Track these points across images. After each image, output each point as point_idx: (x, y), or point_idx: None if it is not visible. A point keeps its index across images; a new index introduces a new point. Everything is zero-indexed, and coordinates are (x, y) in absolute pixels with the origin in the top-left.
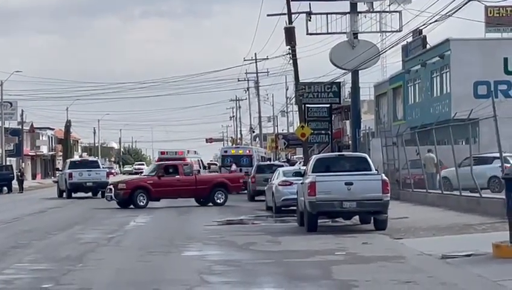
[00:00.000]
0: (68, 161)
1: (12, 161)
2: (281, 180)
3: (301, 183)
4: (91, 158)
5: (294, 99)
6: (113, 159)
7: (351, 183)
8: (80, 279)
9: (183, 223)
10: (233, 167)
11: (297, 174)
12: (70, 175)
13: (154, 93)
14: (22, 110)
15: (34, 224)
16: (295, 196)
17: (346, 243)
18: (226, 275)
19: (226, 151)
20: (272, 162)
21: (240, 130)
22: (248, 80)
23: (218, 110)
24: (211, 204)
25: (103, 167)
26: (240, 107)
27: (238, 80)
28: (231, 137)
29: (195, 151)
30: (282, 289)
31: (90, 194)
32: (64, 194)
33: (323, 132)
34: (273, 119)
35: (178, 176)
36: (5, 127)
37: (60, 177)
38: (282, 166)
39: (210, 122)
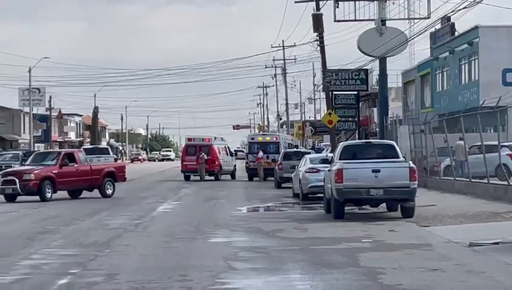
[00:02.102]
0: (82, 148)
1: (40, 147)
2: (308, 167)
3: (328, 170)
4: (102, 145)
5: (321, 87)
6: (140, 145)
7: (378, 171)
8: (106, 264)
9: (210, 209)
10: (260, 154)
11: (325, 161)
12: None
13: (181, 80)
14: (50, 97)
15: (60, 210)
16: (322, 183)
17: (373, 231)
18: (253, 261)
19: (253, 138)
20: (299, 149)
21: (267, 117)
22: (275, 67)
23: (246, 97)
24: (99, 196)
25: (133, 153)
26: (267, 94)
27: (266, 67)
28: (258, 124)
29: (222, 138)
30: (309, 276)
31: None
32: None
33: (350, 119)
34: (300, 106)
35: (76, 165)
36: (33, 113)
37: None
38: (309, 153)
39: (237, 109)
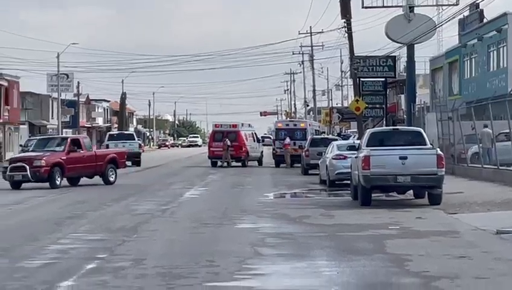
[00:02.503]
0: (108, 133)
1: (68, 133)
2: (335, 154)
3: (355, 157)
4: (127, 131)
5: (349, 73)
6: (167, 131)
7: (406, 158)
8: (134, 250)
9: (236, 195)
10: (287, 140)
11: (352, 148)
12: (107, 146)
13: (209, 66)
14: (78, 82)
15: (88, 195)
16: (349, 170)
17: (400, 218)
18: (279, 247)
19: (280, 125)
20: (326, 136)
21: (294, 104)
22: (303, 54)
23: (273, 83)
24: (102, 183)
25: (160, 139)
26: (294, 80)
27: (293, 54)
28: (285, 110)
29: (249, 124)
30: (335, 262)
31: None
32: None
33: (377, 106)
34: (327, 93)
35: (82, 151)
36: (61, 99)
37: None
38: (336, 140)
39: (264, 95)
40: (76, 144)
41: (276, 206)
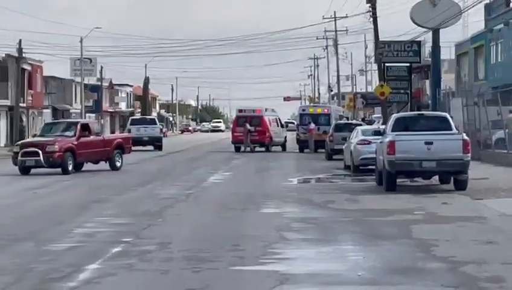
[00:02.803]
0: (130, 118)
1: (91, 117)
2: (359, 139)
3: (380, 142)
4: (149, 116)
5: (373, 58)
6: (190, 116)
7: (431, 143)
8: (159, 234)
9: (260, 180)
10: (312, 125)
11: (376, 133)
12: (129, 131)
13: (232, 51)
14: (101, 67)
15: (112, 179)
16: (373, 155)
17: (426, 203)
18: (304, 232)
19: (304, 110)
20: (350, 121)
21: (318, 89)
22: (327, 39)
23: (296, 68)
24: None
25: (183, 124)
26: (318, 65)
27: (317, 38)
28: (309, 96)
29: (272, 110)
30: (361, 247)
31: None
32: None
33: (402, 91)
34: (351, 78)
35: (92, 137)
36: (84, 84)
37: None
38: (360, 125)
39: (288, 80)
40: (85, 128)
41: (301, 191)
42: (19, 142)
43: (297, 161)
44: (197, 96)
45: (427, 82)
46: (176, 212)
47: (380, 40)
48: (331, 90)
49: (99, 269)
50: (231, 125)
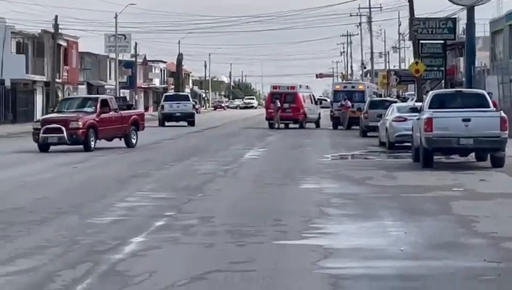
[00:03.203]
0: (164, 95)
1: (125, 93)
2: (395, 116)
3: (417, 119)
4: (183, 93)
5: (407, 35)
6: (222, 93)
7: (469, 120)
8: (200, 208)
9: (296, 157)
10: (348, 103)
11: (412, 110)
12: (163, 107)
13: (266, 27)
14: (136, 43)
15: (150, 155)
16: (409, 132)
17: (463, 180)
18: (344, 207)
19: (338, 87)
20: (385, 98)
21: (351, 66)
22: (360, 15)
23: (329, 45)
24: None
25: (216, 100)
26: (351, 42)
27: (350, 15)
28: (341, 73)
29: (307, 86)
30: (402, 223)
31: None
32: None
33: (436, 68)
34: (384, 55)
35: (111, 113)
36: (118, 60)
37: (159, 109)
38: (395, 102)
39: (320, 57)
40: (105, 104)
41: (338, 167)
42: (40, 118)
43: (332, 137)
44: (230, 73)
45: (461, 59)
46: (216, 187)
47: (415, 17)
48: (364, 67)
49: (144, 242)
50: (263, 102)
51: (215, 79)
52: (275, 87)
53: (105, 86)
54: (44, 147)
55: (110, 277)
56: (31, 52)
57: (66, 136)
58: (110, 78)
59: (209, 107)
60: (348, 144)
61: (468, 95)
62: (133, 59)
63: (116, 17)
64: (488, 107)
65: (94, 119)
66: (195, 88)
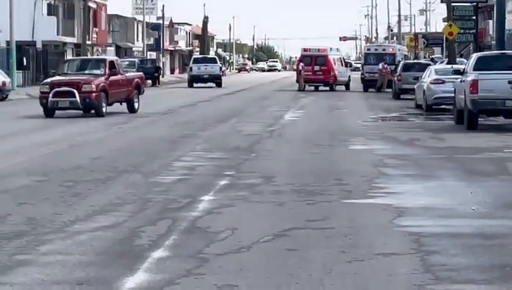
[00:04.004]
0: (193, 57)
1: (152, 55)
2: (433, 78)
3: (460, 81)
4: (210, 55)
5: None
6: (246, 55)
7: None
8: (258, 168)
9: (336, 118)
10: (387, 67)
11: (449, 72)
12: (191, 69)
13: None
14: (163, 5)
15: (190, 116)
16: (447, 94)
17: (511, 141)
18: (401, 168)
19: (369, 50)
20: (419, 61)
21: (376, 29)
22: None
23: (354, 8)
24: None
25: (240, 63)
26: (376, 5)
27: None
28: (365, 36)
29: (337, 49)
30: (465, 183)
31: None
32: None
33: (467, 31)
34: (410, 18)
35: (119, 76)
36: (146, 22)
37: (187, 71)
38: (429, 65)
39: (344, 21)
40: (113, 66)
41: (381, 128)
42: (47, 80)
43: (365, 100)
44: (253, 36)
45: (490, 22)
46: (266, 148)
47: None
48: (391, 30)
49: (215, 200)
50: (286, 65)
51: (238, 42)
52: (306, 50)
53: (133, 48)
54: (50, 112)
55: (193, 233)
56: (61, 14)
57: (78, 100)
58: (137, 41)
59: (233, 69)
60: (384, 106)
61: None
62: (159, 22)
63: None
64: None
65: (105, 82)
66: (220, 51)
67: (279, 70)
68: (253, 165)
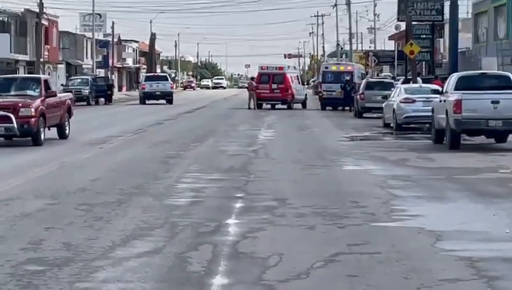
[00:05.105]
0: (145, 75)
1: (101, 73)
2: (403, 97)
3: (440, 101)
4: (161, 73)
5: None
6: (190, 73)
7: (498, 102)
8: (265, 189)
9: (311, 138)
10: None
11: (418, 92)
12: (143, 86)
13: (236, 9)
14: (113, 22)
15: (163, 135)
16: (417, 113)
17: (502, 161)
18: (408, 189)
19: (327, 68)
20: (382, 79)
21: (323, 46)
22: None
23: (299, 26)
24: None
25: (185, 80)
26: (323, 23)
27: None
28: (309, 53)
29: (294, 67)
30: (481, 205)
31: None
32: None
33: (423, 50)
34: (356, 36)
35: (54, 97)
36: (96, 39)
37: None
38: (391, 83)
39: (288, 38)
40: (48, 86)
41: (363, 148)
42: None
43: (329, 118)
44: (197, 52)
45: (441, 41)
46: (261, 169)
47: None
48: (342, 48)
49: (242, 224)
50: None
51: (182, 59)
52: (263, 68)
53: (83, 66)
54: None
55: (240, 258)
56: (13, 31)
57: (16, 127)
58: (86, 58)
59: (179, 87)
60: (351, 125)
61: (493, 77)
62: (107, 38)
63: None
64: None
65: (43, 105)
66: (165, 68)
67: (224, 88)
68: (258, 186)
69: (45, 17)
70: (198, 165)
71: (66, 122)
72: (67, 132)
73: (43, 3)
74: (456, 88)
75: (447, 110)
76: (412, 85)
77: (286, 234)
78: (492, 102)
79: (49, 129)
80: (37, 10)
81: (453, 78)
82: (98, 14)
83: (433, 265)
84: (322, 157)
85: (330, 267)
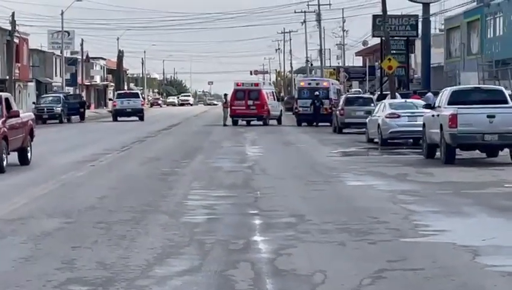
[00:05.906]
0: (116, 92)
1: (70, 90)
2: (388, 112)
3: (432, 115)
4: (133, 90)
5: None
6: (156, 90)
7: (493, 116)
8: (277, 206)
9: (301, 154)
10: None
11: (402, 107)
12: (115, 103)
13: (202, 26)
14: (82, 40)
15: (150, 152)
16: (402, 128)
17: (504, 176)
18: (422, 204)
19: (302, 84)
20: (361, 95)
21: (290, 63)
22: (305, 12)
23: (266, 43)
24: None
25: (152, 98)
26: (290, 39)
27: (295, 12)
28: (275, 70)
29: (270, 83)
30: (502, 219)
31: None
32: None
33: (399, 65)
34: (324, 53)
35: (16, 118)
36: (65, 57)
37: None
38: (370, 98)
39: (254, 55)
40: (9, 106)
41: (357, 163)
42: None
43: (309, 134)
44: (163, 69)
45: (412, 56)
46: (265, 185)
47: (376, 14)
48: (311, 64)
49: (270, 241)
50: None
51: (148, 76)
52: (239, 84)
53: (53, 83)
54: None
55: (284, 276)
56: None
57: None
58: (56, 76)
59: (145, 104)
60: (335, 141)
61: (487, 92)
62: (75, 56)
63: (62, 14)
64: (507, 103)
65: (5, 127)
66: (132, 85)
67: (191, 105)
68: (268, 203)
69: (17, 34)
70: (200, 183)
71: (29, 146)
72: (29, 155)
73: (15, 21)
74: (450, 102)
75: (441, 125)
76: (396, 100)
77: (319, 251)
78: (488, 116)
79: (8, 154)
80: (9, 28)
81: (446, 92)
82: (67, 31)
83: (484, 281)
84: (320, 173)
85: (380, 284)
